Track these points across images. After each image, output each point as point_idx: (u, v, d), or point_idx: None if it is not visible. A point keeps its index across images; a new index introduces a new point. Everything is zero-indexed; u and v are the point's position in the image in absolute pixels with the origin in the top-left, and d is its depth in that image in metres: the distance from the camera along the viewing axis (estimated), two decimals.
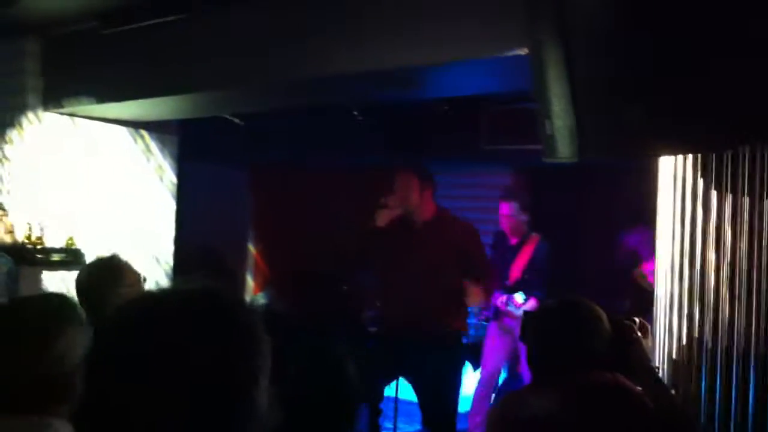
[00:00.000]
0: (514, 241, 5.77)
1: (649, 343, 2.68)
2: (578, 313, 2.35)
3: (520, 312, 5.41)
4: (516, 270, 5.74)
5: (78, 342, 1.70)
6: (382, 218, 4.41)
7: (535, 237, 5.79)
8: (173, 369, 0.95)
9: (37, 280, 5.20)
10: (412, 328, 4.17)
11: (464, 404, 6.37)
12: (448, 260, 4.24)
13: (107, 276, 2.81)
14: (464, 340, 4.65)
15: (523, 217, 5.72)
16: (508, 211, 5.70)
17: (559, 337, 2.32)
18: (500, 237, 5.88)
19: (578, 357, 2.27)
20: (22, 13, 4.54)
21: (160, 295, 1.07)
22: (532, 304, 5.54)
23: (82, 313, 1.80)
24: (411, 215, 4.39)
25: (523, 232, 5.74)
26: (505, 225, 5.75)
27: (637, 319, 2.65)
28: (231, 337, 1.00)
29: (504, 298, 5.65)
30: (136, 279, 2.91)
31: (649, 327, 2.70)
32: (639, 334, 2.58)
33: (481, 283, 4.33)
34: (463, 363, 4.73)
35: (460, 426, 5.56)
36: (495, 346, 5.78)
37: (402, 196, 4.40)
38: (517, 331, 5.60)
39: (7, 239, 4.48)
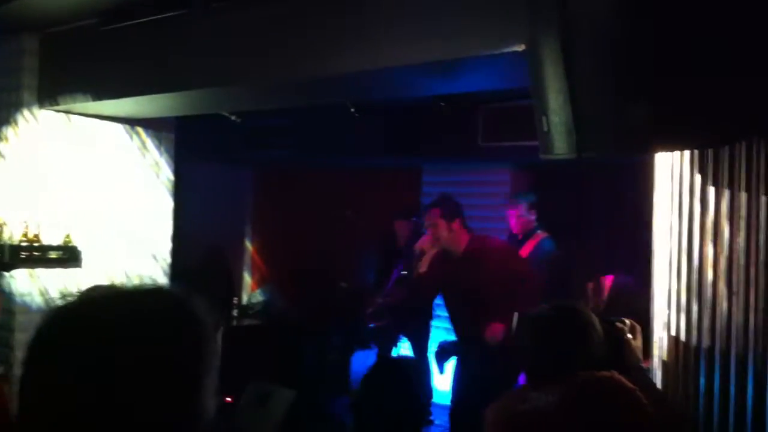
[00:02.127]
0: (520, 236, 5.88)
1: (639, 344, 2.70)
2: (570, 319, 2.44)
3: None
4: None
5: None
6: (424, 263, 4.66)
7: (540, 234, 5.84)
8: (112, 368, 0.94)
9: (35, 278, 5.20)
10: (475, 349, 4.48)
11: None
12: (491, 283, 4.44)
13: None
14: None
15: (531, 216, 5.85)
16: (514, 212, 5.85)
17: (552, 342, 2.41)
18: (511, 236, 6.01)
19: (571, 360, 2.34)
20: (21, 10, 4.53)
21: (105, 292, 1.05)
22: None
23: None
24: (448, 250, 4.61)
25: (529, 229, 5.83)
26: (515, 226, 5.88)
27: (627, 321, 2.69)
28: (173, 337, 1.00)
29: None
30: None
31: (639, 328, 2.73)
32: (630, 335, 2.63)
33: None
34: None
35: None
36: None
37: (433, 234, 4.63)
38: None
39: None
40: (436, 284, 4.72)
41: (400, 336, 6.39)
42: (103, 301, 1.02)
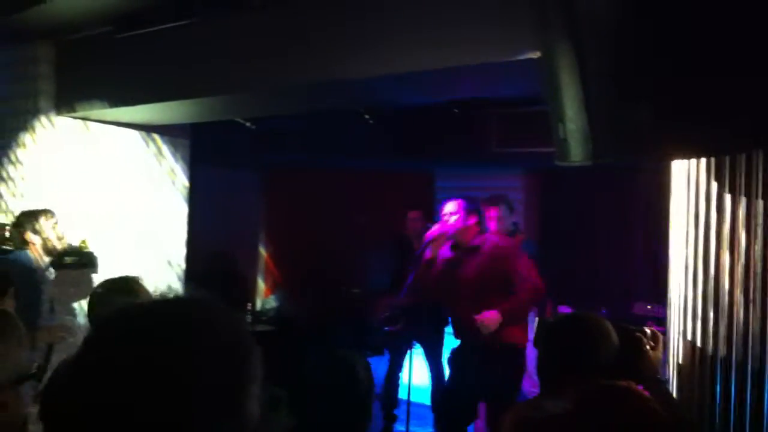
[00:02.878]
0: None
1: (660, 354, 2.70)
2: (584, 326, 2.48)
3: None
4: None
5: (11, 357, 1.69)
6: (435, 248, 4.78)
7: (520, 236, 5.81)
8: (159, 381, 0.94)
9: (50, 283, 5.23)
10: (471, 340, 4.65)
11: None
12: (490, 275, 4.63)
13: (119, 294, 2.82)
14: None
15: (511, 218, 5.82)
16: (496, 213, 5.75)
17: (564, 348, 2.46)
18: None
19: (583, 367, 2.38)
20: (37, 18, 4.57)
21: (149, 305, 1.06)
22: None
23: (20, 330, 1.76)
24: (457, 241, 4.78)
25: (509, 230, 5.77)
26: (494, 226, 5.81)
27: (648, 330, 2.69)
28: (220, 348, 1.00)
29: None
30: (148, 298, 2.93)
31: (661, 337, 2.72)
32: (649, 345, 2.63)
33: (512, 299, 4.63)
34: (518, 372, 4.81)
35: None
36: None
37: (447, 221, 4.78)
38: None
39: (58, 245, 4.53)
40: (439, 273, 4.80)
41: (414, 341, 6.37)
42: (145, 308, 1.03)
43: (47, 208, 4.53)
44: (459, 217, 4.75)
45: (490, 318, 4.51)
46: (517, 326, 4.70)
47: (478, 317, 4.51)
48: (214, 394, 0.98)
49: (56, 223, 4.50)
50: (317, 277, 7.85)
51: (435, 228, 4.78)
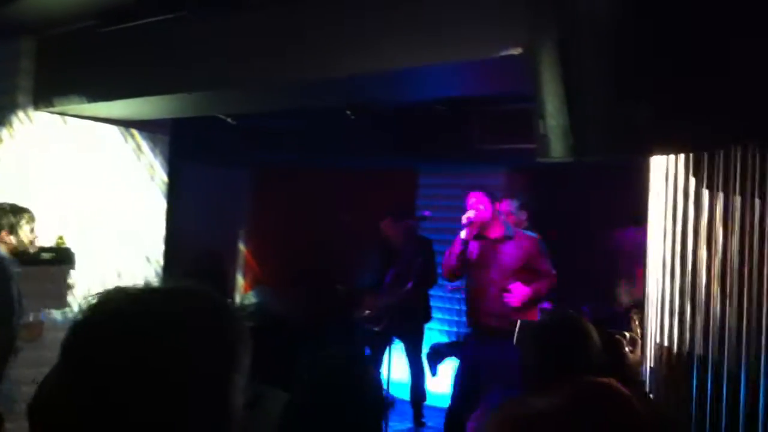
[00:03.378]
0: None
1: (638, 356, 2.74)
2: (568, 327, 2.53)
3: None
4: None
5: None
6: (469, 233, 4.98)
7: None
8: (145, 367, 0.94)
9: (28, 279, 5.18)
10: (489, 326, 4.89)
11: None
12: (523, 269, 4.95)
13: None
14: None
15: (522, 216, 5.87)
16: (506, 208, 5.84)
17: (548, 349, 2.49)
18: None
19: (567, 367, 2.41)
20: (18, 12, 4.52)
21: (137, 298, 1.04)
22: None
23: None
24: (484, 231, 5.03)
25: (521, 227, 5.84)
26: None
27: (627, 334, 2.73)
28: (210, 337, 1.00)
29: None
30: None
31: (639, 341, 2.76)
32: (628, 348, 2.67)
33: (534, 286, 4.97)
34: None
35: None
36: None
37: (480, 211, 5.05)
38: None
39: (30, 248, 4.48)
40: (472, 257, 5.04)
41: (393, 338, 6.38)
42: (135, 303, 1.01)
43: (27, 208, 4.48)
44: (488, 208, 5.01)
45: (520, 291, 4.84)
46: (530, 312, 4.93)
47: (511, 286, 4.82)
48: (204, 385, 0.97)
49: (34, 226, 4.46)
50: (305, 274, 7.83)
51: (473, 214, 4.96)
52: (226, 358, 1.00)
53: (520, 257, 4.97)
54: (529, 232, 5.72)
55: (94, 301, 1.01)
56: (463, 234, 4.96)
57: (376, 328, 6.17)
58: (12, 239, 4.30)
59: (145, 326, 0.96)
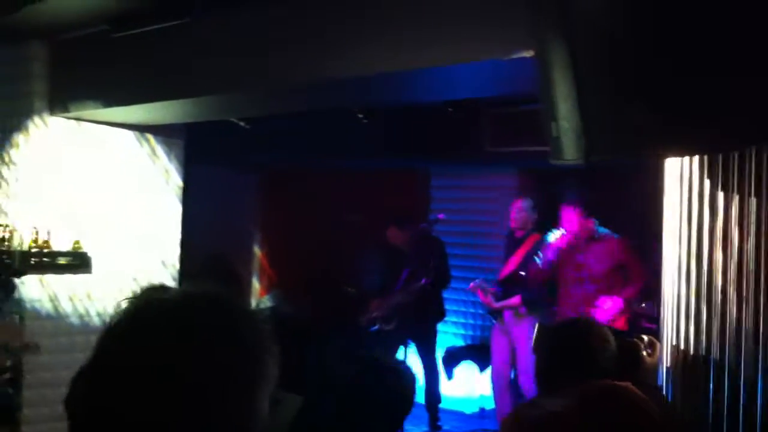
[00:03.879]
0: (518, 235, 5.98)
1: (656, 361, 2.73)
2: (584, 331, 2.53)
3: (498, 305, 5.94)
4: (511, 264, 5.92)
5: None
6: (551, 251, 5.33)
7: (537, 235, 5.88)
8: (174, 374, 0.95)
9: (45, 284, 5.22)
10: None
11: (487, 404, 6.46)
12: (600, 271, 5.22)
13: None
14: None
15: (533, 215, 5.95)
16: (519, 205, 5.98)
17: (563, 352, 2.52)
18: (510, 232, 6.11)
19: (581, 371, 2.44)
20: (30, 17, 4.55)
21: (166, 299, 1.05)
22: (513, 302, 5.68)
23: None
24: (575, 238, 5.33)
25: (528, 227, 5.91)
26: (514, 219, 5.99)
27: (645, 337, 2.72)
28: (235, 344, 1.00)
29: (485, 286, 6.01)
30: None
31: (659, 345, 2.75)
32: (646, 352, 2.66)
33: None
34: None
35: (490, 425, 5.75)
36: (497, 346, 5.84)
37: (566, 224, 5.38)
38: (514, 332, 5.80)
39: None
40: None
41: (408, 340, 6.36)
42: (160, 309, 1.02)
43: None
44: (575, 222, 5.36)
45: (614, 307, 5.07)
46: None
47: (600, 306, 5.03)
48: (229, 396, 0.97)
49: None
50: (317, 276, 7.84)
51: (560, 239, 5.30)
52: (253, 366, 1.01)
53: (603, 259, 5.23)
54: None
55: (127, 304, 1.02)
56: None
57: (387, 328, 6.16)
58: None
59: (171, 333, 0.97)
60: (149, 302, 1.03)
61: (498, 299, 5.88)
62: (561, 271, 5.39)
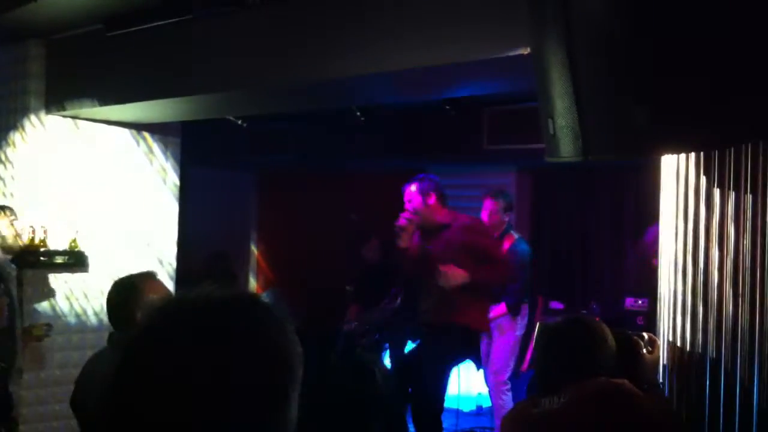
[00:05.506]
0: (495, 234, 5.70)
1: (657, 358, 2.73)
2: (582, 330, 2.56)
3: None
4: None
5: None
6: (404, 239, 4.70)
7: (512, 236, 5.74)
8: (203, 380, 0.94)
9: (41, 283, 5.22)
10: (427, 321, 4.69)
11: (484, 402, 6.47)
12: (461, 253, 4.58)
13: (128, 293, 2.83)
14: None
15: (505, 217, 5.76)
16: (490, 207, 5.75)
17: (563, 351, 2.54)
18: None
19: (581, 369, 2.47)
20: (27, 16, 4.55)
21: (190, 304, 1.04)
22: (498, 311, 5.59)
23: None
24: (425, 225, 4.75)
25: (501, 229, 5.73)
26: (485, 218, 5.73)
27: (645, 335, 2.74)
28: (262, 349, 0.99)
29: None
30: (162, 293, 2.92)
31: (658, 342, 2.76)
32: (646, 349, 2.68)
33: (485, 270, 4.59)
34: (458, 355, 4.88)
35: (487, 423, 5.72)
36: (490, 345, 5.82)
37: (410, 210, 4.74)
38: (510, 331, 5.75)
39: (16, 243, 4.51)
40: (414, 258, 4.74)
41: (385, 344, 6.39)
42: (189, 315, 1.01)
43: (6, 206, 4.50)
44: (417, 201, 4.71)
45: (454, 272, 4.48)
46: (474, 306, 4.67)
47: (442, 267, 4.48)
48: (258, 402, 0.97)
49: (14, 219, 4.46)
50: (313, 275, 7.84)
51: (401, 218, 4.73)
52: (279, 372, 1.00)
53: (462, 243, 4.62)
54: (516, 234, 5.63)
55: (155, 309, 1.02)
56: (401, 242, 4.66)
57: (362, 340, 6.12)
58: None
59: (196, 338, 0.96)
60: (175, 309, 1.03)
61: None
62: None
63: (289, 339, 1.04)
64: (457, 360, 4.92)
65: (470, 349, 4.92)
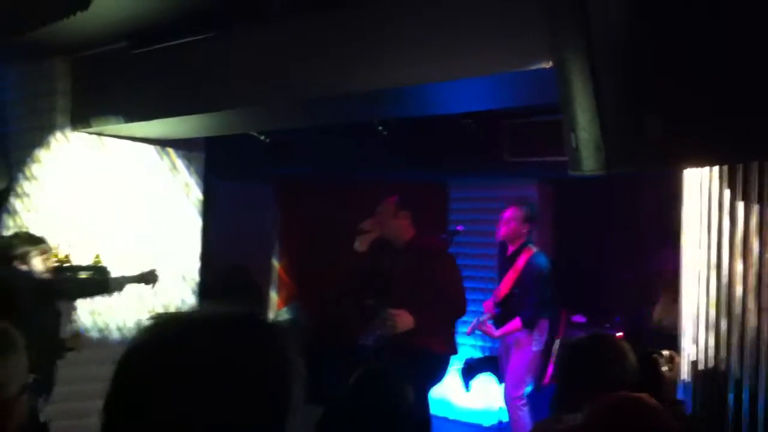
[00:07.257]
0: (510, 250, 5.62)
1: (676, 375, 2.73)
2: (603, 347, 2.56)
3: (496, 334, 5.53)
4: (505, 285, 5.59)
5: (18, 370, 1.74)
6: (363, 243, 4.68)
7: (530, 249, 5.58)
8: (203, 393, 0.95)
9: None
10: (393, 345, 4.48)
11: (505, 417, 6.42)
12: (422, 284, 4.44)
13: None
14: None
15: (524, 228, 5.57)
16: (509, 215, 5.58)
17: (584, 372, 2.55)
18: (501, 247, 5.78)
19: (604, 387, 2.44)
20: (53, 34, 4.62)
21: (192, 317, 1.06)
22: (512, 327, 5.48)
23: (21, 341, 1.79)
24: (389, 238, 4.66)
25: (520, 241, 5.57)
26: (503, 230, 5.61)
27: (665, 352, 2.73)
28: (262, 361, 1.00)
29: (480, 318, 5.61)
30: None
31: (678, 358, 2.75)
32: (667, 367, 2.67)
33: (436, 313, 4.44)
34: (431, 380, 4.71)
35: None
36: (508, 359, 5.73)
37: (378, 218, 4.70)
38: (527, 346, 5.64)
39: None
40: (368, 266, 4.71)
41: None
42: (187, 332, 1.01)
43: (42, 239, 4.54)
44: (387, 213, 4.67)
45: (402, 317, 4.39)
46: (433, 336, 4.55)
47: (391, 310, 4.40)
48: (257, 417, 0.97)
49: (47, 258, 4.52)
50: (335, 289, 7.84)
51: (367, 222, 4.71)
52: (279, 389, 1.00)
53: (415, 271, 4.49)
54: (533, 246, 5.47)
55: (147, 325, 1.03)
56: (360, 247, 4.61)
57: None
58: (24, 268, 4.37)
59: (186, 360, 0.97)
60: (167, 326, 1.04)
61: (498, 324, 5.56)
62: None
63: (289, 350, 1.03)
64: (427, 388, 4.64)
65: (436, 374, 4.72)
